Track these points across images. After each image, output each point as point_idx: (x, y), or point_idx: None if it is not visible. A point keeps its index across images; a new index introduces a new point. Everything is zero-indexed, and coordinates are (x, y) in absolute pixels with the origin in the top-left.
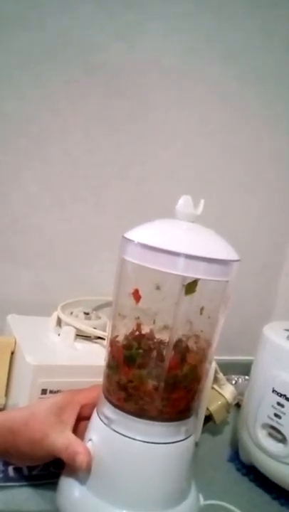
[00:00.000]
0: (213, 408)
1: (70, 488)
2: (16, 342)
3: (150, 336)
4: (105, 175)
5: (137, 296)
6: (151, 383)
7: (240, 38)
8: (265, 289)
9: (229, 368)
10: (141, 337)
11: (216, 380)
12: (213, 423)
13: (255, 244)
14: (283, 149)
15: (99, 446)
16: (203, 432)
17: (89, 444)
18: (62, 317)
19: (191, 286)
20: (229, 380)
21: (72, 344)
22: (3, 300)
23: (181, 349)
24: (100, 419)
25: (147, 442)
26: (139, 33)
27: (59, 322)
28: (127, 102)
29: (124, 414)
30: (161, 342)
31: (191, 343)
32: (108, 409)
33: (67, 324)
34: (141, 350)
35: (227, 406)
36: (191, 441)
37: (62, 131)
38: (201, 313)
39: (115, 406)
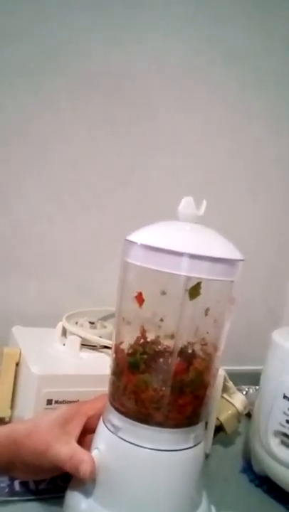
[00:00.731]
0: (223, 418)
1: (76, 501)
2: (20, 353)
3: (155, 342)
4: (108, 181)
5: (140, 299)
6: (156, 389)
7: (240, 40)
8: (274, 295)
9: (239, 378)
10: (145, 343)
11: (225, 388)
12: (224, 433)
13: (262, 249)
14: (286, 151)
15: (105, 455)
16: (214, 442)
17: (95, 453)
18: (68, 327)
19: (195, 290)
20: (240, 391)
21: (78, 354)
22: (8, 311)
23: (187, 354)
24: (106, 427)
25: (155, 450)
26: (139, 38)
27: (64, 332)
28: (128, 108)
29: (130, 421)
30: (166, 347)
31: (196, 347)
32: (114, 417)
33: (73, 334)
34: (145, 356)
35: (238, 415)
36: (200, 448)
37: (64, 138)
38: (206, 315)
39: (121, 413)
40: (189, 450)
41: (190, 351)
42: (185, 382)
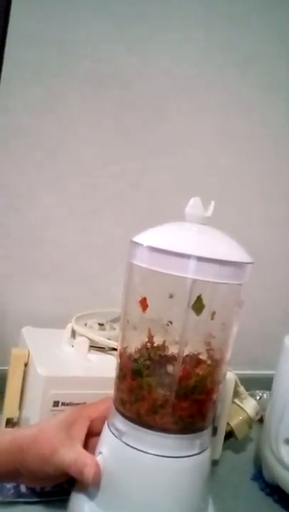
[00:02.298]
0: (234, 423)
1: (79, 505)
2: (29, 354)
3: (161, 347)
4: (119, 184)
5: (144, 304)
6: (160, 394)
7: (254, 45)
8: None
9: (252, 383)
10: (151, 348)
11: (236, 393)
12: (235, 439)
13: (276, 252)
14: None
15: (109, 459)
16: (224, 448)
17: (99, 458)
18: (76, 328)
19: (198, 304)
20: (253, 396)
21: (86, 355)
22: (19, 313)
23: (191, 359)
24: (111, 431)
25: (159, 456)
26: (152, 44)
27: (73, 334)
28: (141, 113)
29: (134, 425)
30: (171, 352)
31: (202, 352)
32: (119, 421)
33: (81, 335)
34: (148, 362)
35: (249, 421)
36: (206, 455)
37: (76, 141)
38: (212, 319)
39: (126, 417)
40: (194, 457)
41: (195, 356)
42: (189, 387)
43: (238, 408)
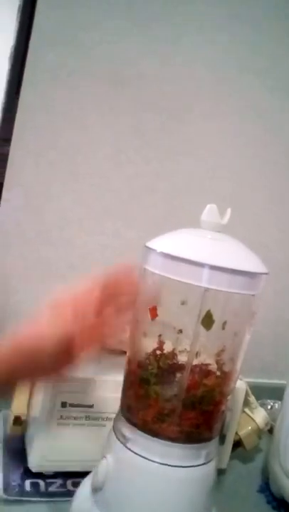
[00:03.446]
0: (243, 433)
1: (82, 509)
2: None
3: (169, 355)
4: (135, 188)
5: (153, 313)
6: (167, 403)
7: (274, 50)
8: None
9: (264, 392)
10: (160, 356)
11: (246, 403)
12: (243, 449)
13: None
14: None
15: (114, 465)
16: (232, 458)
17: (104, 462)
18: None
19: (208, 319)
20: (264, 405)
21: (96, 358)
22: (33, 312)
23: (200, 369)
24: (117, 437)
25: (164, 464)
26: (172, 46)
27: None
28: (158, 115)
29: (140, 433)
30: (179, 361)
31: (211, 362)
32: (125, 427)
33: None
34: (156, 370)
35: (258, 431)
36: (211, 466)
37: (92, 143)
38: (223, 329)
39: (132, 424)
40: (200, 467)
41: (204, 367)
42: (196, 398)
43: (247, 418)
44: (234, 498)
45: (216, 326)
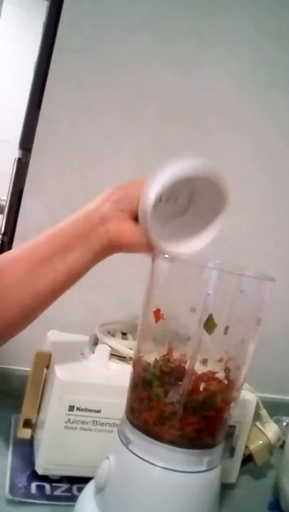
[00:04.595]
0: (253, 447)
1: (84, 508)
2: (50, 357)
3: (174, 360)
4: None
5: (157, 315)
6: (168, 406)
7: None
8: None
9: (280, 408)
10: (163, 360)
11: (258, 416)
12: (254, 464)
13: None
14: None
15: (115, 466)
16: (243, 473)
17: (106, 462)
18: (99, 335)
19: (209, 323)
20: (280, 422)
21: (106, 363)
22: (48, 316)
23: (204, 374)
24: (120, 438)
25: (166, 469)
26: (195, 58)
27: (96, 341)
28: (180, 127)
29: (142, 435)
30: (181, 366)
31: (214, 367)
32: (128, 429)
33: (103, 343)
34: (159, 373)
35: (269, 446)
36: (215, 474)
37: (115, 153)
38: (225, 333)
39: (134, 426)
40: (202, 474)
41: (207, 372)
42: (197, 402)
43: (258, 432)
44: None
45: (218, 330)
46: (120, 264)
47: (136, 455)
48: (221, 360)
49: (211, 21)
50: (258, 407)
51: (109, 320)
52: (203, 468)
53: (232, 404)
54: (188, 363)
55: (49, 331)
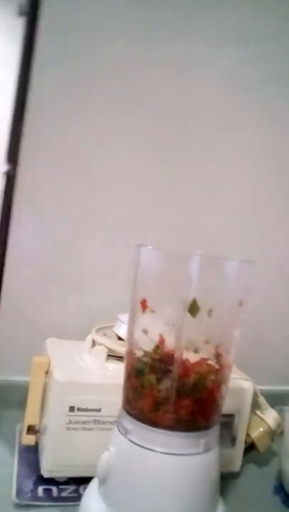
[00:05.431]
0: (255, 435)
1: (88, 502)
2: (49, 363)
3: (162, 347)
4: (149, 200)
5: (144, 305)
6: (161, 392)
7: (281, 60)
8: None
9: (286, 399)
10: (156, 348)
11: (257, 405)
12: (257, 451)
13: None
14: None
15: (116, 456)
16: (248, 462)
17: (106, 454)
18: (95, 337)
19: (193, 307)
20: (282, 412)
21: (104, 364)
22: (48, 323)
23: (191, 356)
24: (118, 429)
25: (163, 453)
26: (182, 60)
27: (93, 344)
28: (170, 128)
29: (139, 423)
30: (170, 353)
31: (201, 350)
32: (125, 420)
33: (100, 344)
34: (149, 361)
35: (270, 433)
36: (212, 456)
37: (106, 158)
38: (209, 316)
39: (131, 415)
40: (200, 456)
41: (194, 354)
42: (188, 385)
43: (259, 419)
44: (249, 500)
45: (205, 316)
46: (117, 269)
47: (135, 443)
48: (207, 342)
49: (196, 23)
50: (256, 395)
51: (106, 324)
52: (201, 450)
53: (223, 386)
54: (176, 347)
55: (47, 339)
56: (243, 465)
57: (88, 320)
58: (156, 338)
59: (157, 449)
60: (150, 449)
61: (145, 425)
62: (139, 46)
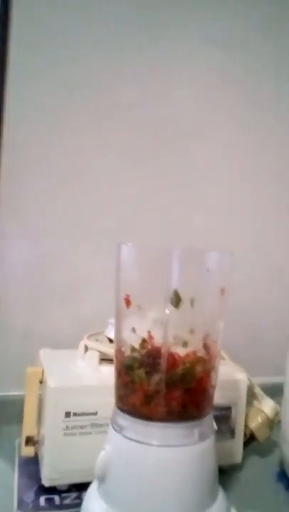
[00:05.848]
0: (254, 425)
1: (90, 501)
2: (43, 372)
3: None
4: (134, 206)
5: (128, 301)
6: (151, 385)
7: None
8: None
9: (281, 390)
10: (144, 342)
11: (253, 395)
12: (258, 443)
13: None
14: None
15: (112, 454)
16: (250, 453)
17: (102, 453)
18: (87, 343)
19: (176, 298)
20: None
21: (97, 368)
22: (40, 335)
23: (178, 347)
24: (113, 427)
25: (158, 446)
26: (150, 69)
27: (86, 350)
28: (145, 137)
29: (132, 418)
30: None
31: (187, 340)
32: (119, 417)
33: (92, 349)
34: (136, 355)
35: (268, 422)
36: (207, 445)
37: (88, 167)
38: (192, 305)
39: (124, 412)
40: (195, 446)
41: (181, 344)
42: (177, 376)
43: (256, 410)
44: (253, 489)
45: (188, 306)
46: (106, 277)
47: (130, 439)
48: (192, 332)
49: (163, 32)
50: (252, 387)
51: (98, 330)
52: (196, 439)
53: (212, 375)
54: (162, 339)
55: (40, 350)
56: (244, 457)
57: (81, 329)
58: (144, 334)
59: (153, 442)
60: (146, 443)
61: (139, 420)
62: (110, 56)
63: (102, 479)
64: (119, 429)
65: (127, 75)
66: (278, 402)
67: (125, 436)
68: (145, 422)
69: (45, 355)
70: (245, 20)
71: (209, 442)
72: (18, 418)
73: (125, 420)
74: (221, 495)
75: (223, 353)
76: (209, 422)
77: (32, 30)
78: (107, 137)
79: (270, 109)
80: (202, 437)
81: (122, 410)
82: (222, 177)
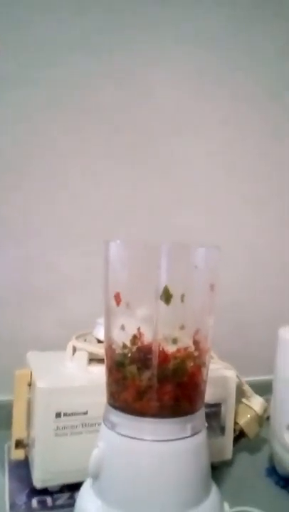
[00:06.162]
0: (243, 422)
1: (84, 499)
2: (31, 375)
3: (141, 338)
4: (119, 208)
5: (118, 299)
6: (143, 380)
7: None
8: None
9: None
10: (134, 338)
11: (242, 393)
12: (248, 439)
13: (276, 257)
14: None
15: (105, 451)
16: (240, 449)
17: (96, 451)
18: (75, 343)
19: (166, 294)
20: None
21: (86, 368)
22: (27, 338)
23: (168, 343)
24: (105, 424)
25: (151, 441)
26: (129, 69)
27: (74, 351)
28: (125, 137)
29: (125, 415)
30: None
31: (178, 336)
32: (112, 414)
33: (80, 349)
34: (126, 351)
35: (258, 419)
36: (200, 439)
37: (68, 171)
38: (182, 301)
39: (116, 409)
40: (188, 440)
41: (171, 340)
42: (168, 371)
43: (245, 407)
44: (244, 485)
45: (178, 301)
46: (92, 278)
47: (123, 435)
48: (182, 328)
49: (142, 32)
50: (240, 384)
51: (85, 331)
52: (188, 434)
53: (203, 369)
54: (153, 334)
55: (28, 353)
56: (235, 453)
57: (68, 331)
58: (134, 332)
59: (146, 438)
60: (139, 439)
61: (131, 416)
62: (84, 62)
63: (95, 477)
64: (112, 426)
65: (107, 74)
66: (266, 400)
67: (118, 433)
68: (138, 418)
69: (33, 357)
70: (218, 17)
71: (202, 436)
72: (7, 423)
73: (118, 417)
74: (214, 489)
75: (212, 352)
76: (201, 417)
77: (10, 33)
78: (90, 138)
79: (251, 105)
80: (194, 431)
81: (114, 407)
82: (207, 175)
